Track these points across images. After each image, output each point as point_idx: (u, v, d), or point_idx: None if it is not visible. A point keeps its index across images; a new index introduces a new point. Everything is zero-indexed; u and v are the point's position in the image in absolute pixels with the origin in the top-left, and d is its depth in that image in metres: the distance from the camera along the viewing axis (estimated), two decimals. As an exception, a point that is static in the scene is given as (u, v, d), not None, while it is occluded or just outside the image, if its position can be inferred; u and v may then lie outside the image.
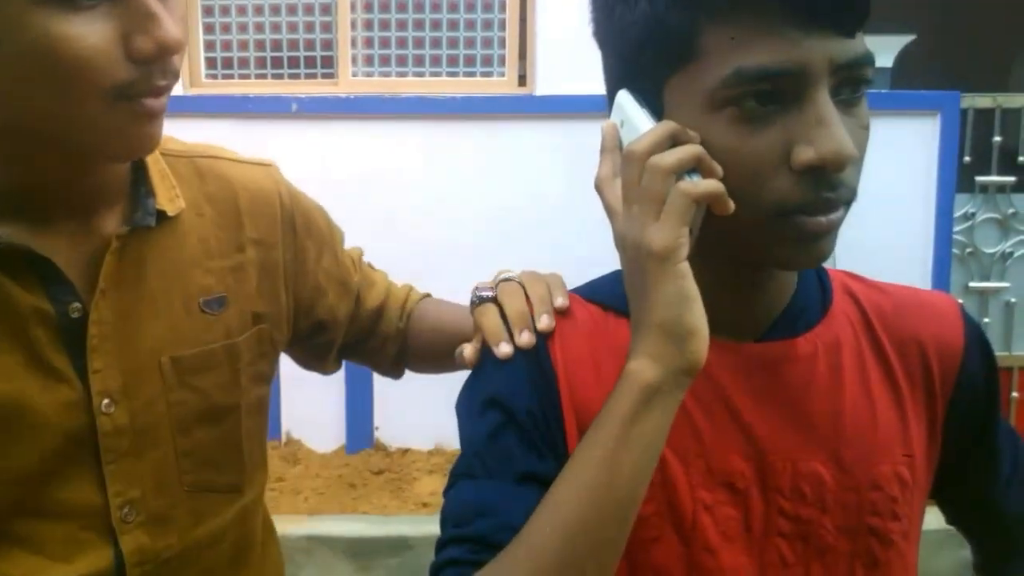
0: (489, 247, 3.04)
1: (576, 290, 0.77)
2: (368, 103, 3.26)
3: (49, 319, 0.75)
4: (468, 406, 0.72)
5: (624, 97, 0.66)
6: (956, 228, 3.21)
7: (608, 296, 0.73)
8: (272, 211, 0.89)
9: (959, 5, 4.91)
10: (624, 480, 0.61)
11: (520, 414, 0.68)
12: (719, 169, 0.61)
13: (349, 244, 1.02)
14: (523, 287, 0.75)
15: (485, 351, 0.74)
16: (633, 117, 0.65)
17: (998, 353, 3.43)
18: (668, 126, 0.62)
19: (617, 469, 0.61)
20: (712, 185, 0.60)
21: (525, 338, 0.71)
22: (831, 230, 0.62)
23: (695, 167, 0.61)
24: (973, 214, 3.29)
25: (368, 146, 3.20)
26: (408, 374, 1.07)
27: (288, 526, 2.65)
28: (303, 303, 0.92)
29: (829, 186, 0.60)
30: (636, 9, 0.62)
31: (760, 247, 0.63)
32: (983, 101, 3.24)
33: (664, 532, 0.68)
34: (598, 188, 0.66)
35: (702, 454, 0.68)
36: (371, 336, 1.01)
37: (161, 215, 0.79)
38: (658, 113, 0.64)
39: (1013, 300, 3.32)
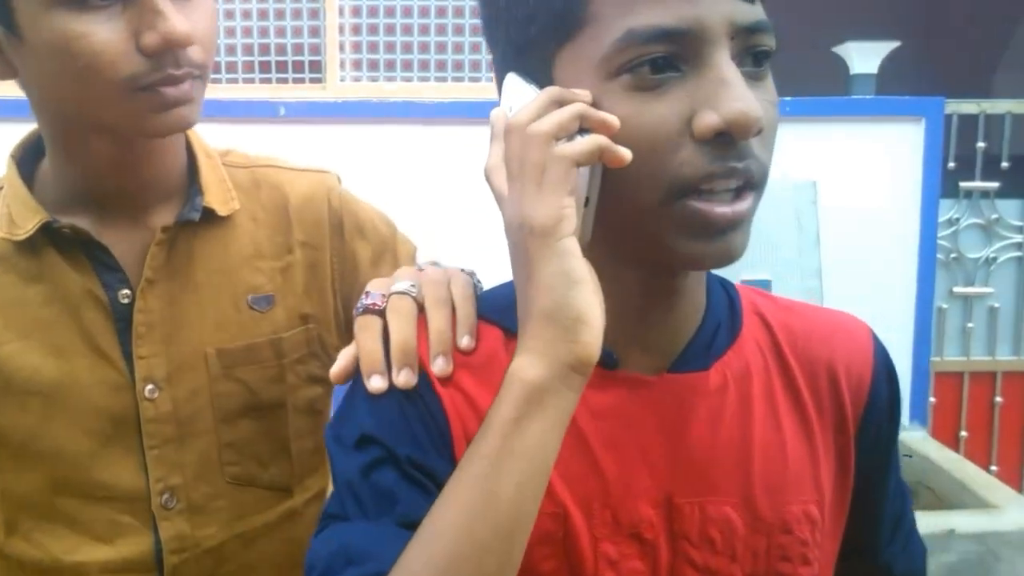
0: (475, 251, 3.04)
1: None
2: (356, 108, 3.25)
3: (101, 304, 0.80)
4: (339, 439, 0.63)
5: (512, 80, 0.61)
6: (940, 233, 3.22)
7: (513, 320, 0.61)
8: (319, 214, 0.91)
9: (943, 12, 4.95)
10: (506, 500, 0.52)
11: (401, 456, 0.59)
12: (614, 120, 0.54)
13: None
14: (420, 307, 0.66)
15: (359, 375, 0.63)
16: (522, 98, 0.59)
17: (982, 358, 3.48)
18: (549, 92, 0.56)
19: (497, 487, 0.52)
20: (591, 141, 0.54)
21: (403, 377, 0.61)
22: (738, 221, 0.56)
23: (584, 128, 0.55)
24: (957, 219, 3.31)
25: (356, 150, 3.19)
26: None
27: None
28: (351, 306, 0.92)
29: (736, 155, 0.54)
30: None
31: (662, 240, 0.57)
32: (967, 107, 3.26)
33: None
34: (487, 177, 0.60)
35: (608, 503, 0.61)
36: None
37: (210, 213, 0.84)
38: None
39: (997, 305, 3.34)
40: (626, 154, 0.54)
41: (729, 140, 0.54)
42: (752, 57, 0.56)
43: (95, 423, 0.80)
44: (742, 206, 0.56)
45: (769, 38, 0.56)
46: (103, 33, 0.70)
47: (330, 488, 0.96)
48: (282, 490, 0.89)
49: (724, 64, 0.54)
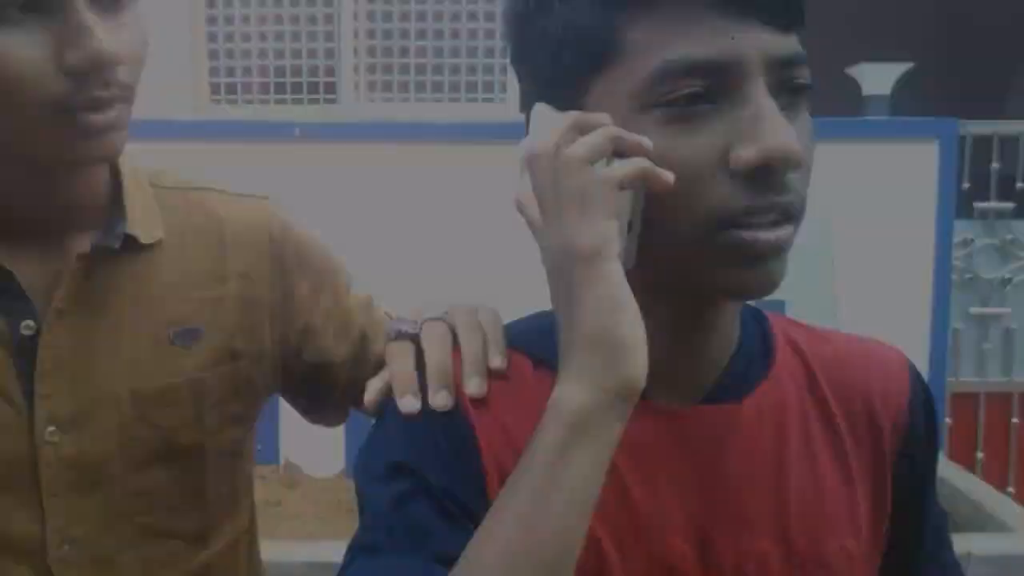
0: (491, 273, 3.05)
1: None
2: (370, 128, 3.28)
3: (1, 336, 0.73)
4: (368, 470, 0.61)
5: (540, 109, 0.59)
6: (955, 254, 3.21)
7: (541, 349, 0.61)
8: (260, 245, 0.84)
9: (957, 33, 4.95)
10: (550, 535, 0.50)
11: (434, 486, 0.57)
12: (647, 142, 0.53)
13: (355, 272, 0.98)
14: (453, 333, 0.65)
15: (390, 404, 0.62)
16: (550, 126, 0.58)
17: (999, 379, 3.44)
18: (570, 116, 0.55)
19: (541, 521, 0.50)
20: (634, 164, 0.53)
21: (440, 398, 0.60)
22: (779, 249, 0.55)
23: (616, 151, 0.54)
24: (972, 240, 3.30)
25: (370, 171, 3.22)
26: None
27: (287, 552, 2.63)
28: (291, 342, 0.87)
29: (775, 189, 0.53)
30: (551, 12, 0.57)
31: (702, 270, 0.56)
32: (981, 128, 3.26)
33: None
34: (519, 207, 0.58)
35: (641, 537, 0.59)
36: None
37: (132, 241, 0.77)
38: None
39: (1013, 326, 3.32)
40: (669, 177, 0.53)
41: (768, 174, 0.53)
42: (788, 90, 0.55)
43: None
44: (783, 233, 0.55)
45: (805, 71, 0.56)
46: (23, 50, 0.64)
47: (249, 532, 0.88)
48: (197, 540, 0.82)
49: (761, 97, 0.53)
